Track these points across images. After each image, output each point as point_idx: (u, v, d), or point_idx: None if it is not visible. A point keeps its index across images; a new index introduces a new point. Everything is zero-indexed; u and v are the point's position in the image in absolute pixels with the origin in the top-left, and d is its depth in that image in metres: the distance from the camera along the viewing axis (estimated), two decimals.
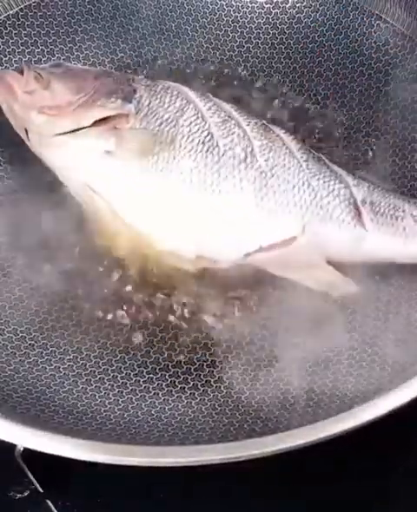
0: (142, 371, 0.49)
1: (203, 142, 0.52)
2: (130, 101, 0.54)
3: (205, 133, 0.53)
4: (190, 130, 0.53)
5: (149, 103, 0.54)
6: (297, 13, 0.66)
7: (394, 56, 0.61)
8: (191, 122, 0.53)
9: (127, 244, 0.53)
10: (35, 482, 0.48)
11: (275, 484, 0.50)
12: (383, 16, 0.62)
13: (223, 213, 0.51)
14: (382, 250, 0.51)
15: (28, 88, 0.54)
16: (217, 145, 0.52)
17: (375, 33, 0.63)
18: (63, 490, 0.50)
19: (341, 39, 0.64)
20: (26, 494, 0.49)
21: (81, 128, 0.53)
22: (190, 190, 0.51)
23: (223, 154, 0.52)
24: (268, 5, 0.67)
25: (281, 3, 0.66)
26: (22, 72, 0.55)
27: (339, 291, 0.51)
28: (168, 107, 0.54)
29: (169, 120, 0.53)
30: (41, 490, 0.49)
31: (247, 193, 0.51)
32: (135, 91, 0.55)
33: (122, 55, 0.66)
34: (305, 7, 0.66)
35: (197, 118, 0.54)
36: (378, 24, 0.62)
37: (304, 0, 0.66)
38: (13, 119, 0.56)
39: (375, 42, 0.63)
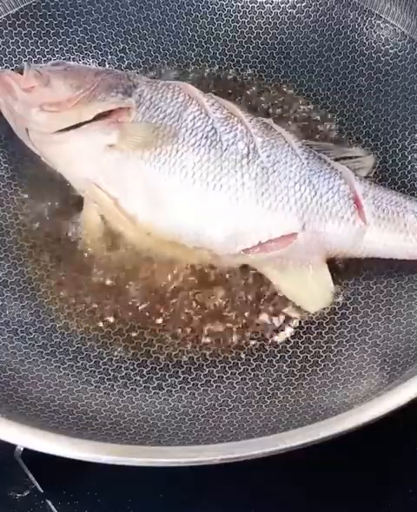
0: (142, 371, 0.49)
1: (207, 137, 0.53)
2: (131, 95, 0.55)
3: (208, 127, 0.53)
4: (194, 124, 0.53)
5: (151, 98, 0.55)
6: (297, 13, 0.66)
7: (394, 56, 0.61)
8: (195, 117, 0.54)
9: (130, 237, 0.53)
10: (35, 481, 0.48)
11: (277, 484, 0.50)
12: (383, 16, 0.62)
13: (224, 208, 0.51)
14: (382, 246, 0.51)
15: (27, 85, 0.54)
16: (220, 140, 0.52)
17: (375, 33, 0.63)
18: (63, 490, 0.50)
19: (341, 39, 0.64)
20: (26, 494, 0.49)
21: (82, 123, 0.53)
22: (192, 184, 0.51)
23: (226, 149, 0.52)
24: (268, 5, 0.67)
25: (281, 3, 0.66)
26: (21, 72, 0.55)
27: (317, 307, 0.52)
28: (171, 101, 0.54)
29: (172, 114, 0.54)
30: (41, 490, 0.49)
31: (248, 188, 0.51)
32: (135, 86, 0.55)
33: (123, 55, 0.66)
34: (305, 7, 0.66)
35: (200, 113, 0.54)
36: (378, 24, 0.62)
37: (304, 0, 0.66)
38: (13, 121, 0.56)
39: (375, 43, 0.63)
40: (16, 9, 0.63)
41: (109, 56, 0.66)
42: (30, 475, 0.47)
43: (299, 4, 0.66)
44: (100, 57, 0.66)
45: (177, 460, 0.35)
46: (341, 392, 0.45)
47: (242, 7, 0.67)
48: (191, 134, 0.53)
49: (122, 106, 0.54)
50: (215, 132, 0.53)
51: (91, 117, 0.53)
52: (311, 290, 0.52)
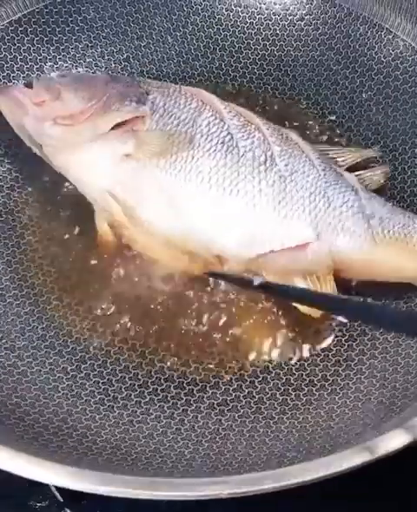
0: (143, 392, 0.48)
1: (223, 142, 0.52)
2: (144, 103, 0.54)
3: (224, 133, 0.53)
4: (209, 130, 0.53)
5: (164, 104, 0.54)
6: (305, 25, 0.65)
7: (404, 72, 0.60)
8: (210, 122, 0.53)
9: (141, 246, 0.53)
10: (54, 491, 0.47)
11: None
12: (393, 31, 0.61)
13: (241, 213, 0.51)
14: (390, 267, 0.50)
15: (38, 99, 0.53)
16: (237, 146, 0.52)
17: (385, 48, 0.62)
18: (82, 500, 0.49)
19: (350, 53, 0.63)
20: (46, 503, 0.49)
21: (98, 135, 0.52)
22: (209, 189, 0.51)
23: (243, 155, 0.52)
24: (276, 17, 0.66)
25: (289, 15, 0.65)
26: (29, 85, 0.54)
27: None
28: (184, 107, 0.54)
29: (186, 120, 0.53)
30: (60, 499, 0.48)
31: (265, 195, 0.51)
32: (147, 93, 0.55)
33: (126, 64, 0.65)
34: (314, 20, 0.65)
35: (215, 118, 0.53)
36: (388, 39, 0.61)
37: (312, 13, 0.65)
38: (25, 136, 0.55)
39: (385, 57, 0.62)
40: (19, 14, 0.62)
41: (113, 65, 0.65)
42: (50, 485, 0.47)
43: (307, 17, 0.65)
44: (104, 66, 0.65)
45: (183, 493, 0.34)
46: (351, 419, 0.43)
47: (249, 18, 0.66)
48: (206, 139, 0.52)
49: (136, 115, 0.53)
50: (232, 138, 0.52)
51: (107, 129, 0.52)
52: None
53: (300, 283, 0.50)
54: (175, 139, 0.52)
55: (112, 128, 0.53)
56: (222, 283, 0.52)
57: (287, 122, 0.62)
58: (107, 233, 0.53)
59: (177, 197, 0.51)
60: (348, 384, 0.47)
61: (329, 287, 0.50)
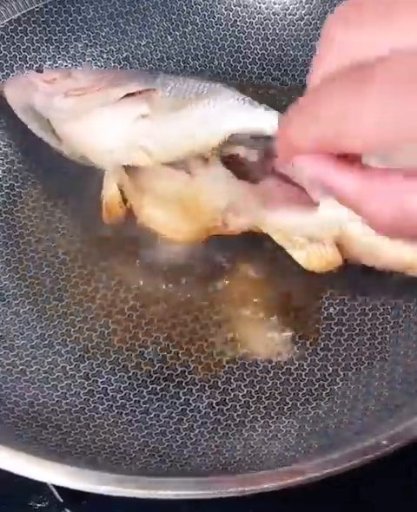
0: (142, 391, 0.48)
1: (244, 100, 0.51)
2: (154, 82, 0.53)
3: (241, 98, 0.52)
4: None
5: (174, 84, 0.53)
6: (305, 25, 0.65)
7: None
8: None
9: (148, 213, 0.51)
10: (54, 491, 0.47)
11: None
12: None
13: None
14: (392, 254, 0.48)
15: (49, 77, 0.54)
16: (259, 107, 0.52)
17: None
18: (82, 500, 0.49)
19: None
20: (46, 503, 0.49)
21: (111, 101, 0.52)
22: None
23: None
24: (275, 16, 0.66)
25: (288, 14, 0.65)
26: (39, 71, 0.55)
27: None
28: (196, 83, 0.53)
29: (201, 86, 0.52)
30: (60, 500, 0.48)
31: None
32: (155, 77, 0.54)
33: (126, 63, 0.65)
34: (313, 20, 0.65)
35: (229, 89, 0.53)
36: None
37: (312, 13, 0.65)
38: (29, 118, 0.55)
39: None
40: (19, 13, 0.62)
41: (113, 64, 0.65)
42: (50, 485, 0.46)
43: (307, 16, 0.65)
44: (103, 66, 0.65)
45: (182, 493, 0.34)
46: (349, 418, 0.43)
47: (249, 18, 0.66)
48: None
49: (147, 88, 0.53)
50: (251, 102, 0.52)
51: (119, 97, 0.52)
52: (318, 256, 0.48)
53: (303, 245, 0.49)
54: (192, 96, 0.51)
55: (125, 96, 0.52)
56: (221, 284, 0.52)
57: None
58: (114, 197, 0.51)
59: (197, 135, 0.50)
60: (347, 383, 0.47)
61: (333, 249, 0.48)
